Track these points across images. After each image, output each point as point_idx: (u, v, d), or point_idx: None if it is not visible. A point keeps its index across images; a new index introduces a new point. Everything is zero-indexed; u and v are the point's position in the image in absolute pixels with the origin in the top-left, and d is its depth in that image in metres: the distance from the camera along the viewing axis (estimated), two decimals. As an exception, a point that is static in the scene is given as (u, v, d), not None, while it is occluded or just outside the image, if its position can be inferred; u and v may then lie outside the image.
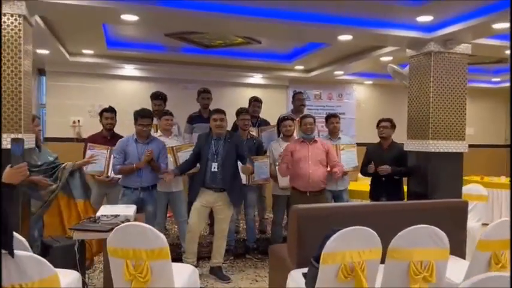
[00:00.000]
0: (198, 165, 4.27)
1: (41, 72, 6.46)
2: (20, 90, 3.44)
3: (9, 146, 3.28)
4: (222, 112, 4.15)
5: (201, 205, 4.11)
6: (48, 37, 4.68)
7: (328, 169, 4.40)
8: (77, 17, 3.97)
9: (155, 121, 4.87)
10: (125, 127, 4.63)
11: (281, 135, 4.93)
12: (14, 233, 2.41)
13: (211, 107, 5.38)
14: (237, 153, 4.13)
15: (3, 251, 1.92)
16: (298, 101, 5.48)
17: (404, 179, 4.71)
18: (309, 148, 4.31)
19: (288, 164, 4.22)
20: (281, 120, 4.87)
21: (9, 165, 2.10)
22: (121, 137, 4.61)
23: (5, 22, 3.40)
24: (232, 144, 4.11)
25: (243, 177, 4.53)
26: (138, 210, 3.83)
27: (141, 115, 4.03)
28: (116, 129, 4.71)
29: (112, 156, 4.23)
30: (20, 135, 3.41)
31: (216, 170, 4.03)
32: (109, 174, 4.36)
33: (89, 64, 6.22)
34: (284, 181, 4.60)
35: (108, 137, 4.57)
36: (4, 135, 3.36)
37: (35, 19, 3.81)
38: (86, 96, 6.49)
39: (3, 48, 3.38)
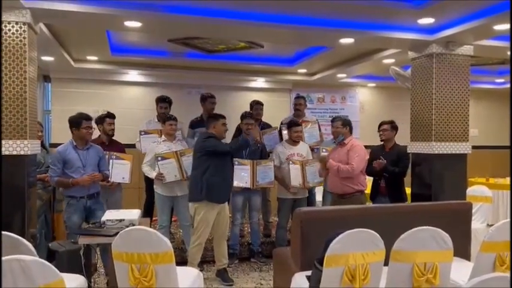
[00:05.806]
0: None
1: (46, 78, 6.52)
2: (25, 97, 3.48)
3: (7, 153, 3.35)
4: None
5: (212, 217, 4.07)
6: (52, 44, 4.73)
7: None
8: (81, 24, 4.01)
9: (160, 126, 4.89)
10: (128, 131, 4.64)
11: (286, 138, 4.95)
12: (19, 238, 2.45)
13: (215, 111, 5.42)
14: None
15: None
16: (294, 105, 5.65)
17: (408, 182, 4.70)
18: (337, 151, 4.40)
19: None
20: (291, 125, 4.88)
21: None
22: (119, 142, 4.66)
23: (9, 30, 3.44)
24: None
25: (248, 181, 4.56)
26: (86, 220, 3.88)
27: (85, 118, 3.90)
28: (119, 135, 4.82)
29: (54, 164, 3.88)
30: (25, 142, 3.45)
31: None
32: (109, 179, 4.32)
33: (93, 70, 6.27)
34: (296, 180, 4.63)
35: (106, 143, 4.60)
36: (10, 142, 3.40)
37: (39, 27, 3.85)
38: (90, 102, 6.52)
39: (8, 56, 3.43)
